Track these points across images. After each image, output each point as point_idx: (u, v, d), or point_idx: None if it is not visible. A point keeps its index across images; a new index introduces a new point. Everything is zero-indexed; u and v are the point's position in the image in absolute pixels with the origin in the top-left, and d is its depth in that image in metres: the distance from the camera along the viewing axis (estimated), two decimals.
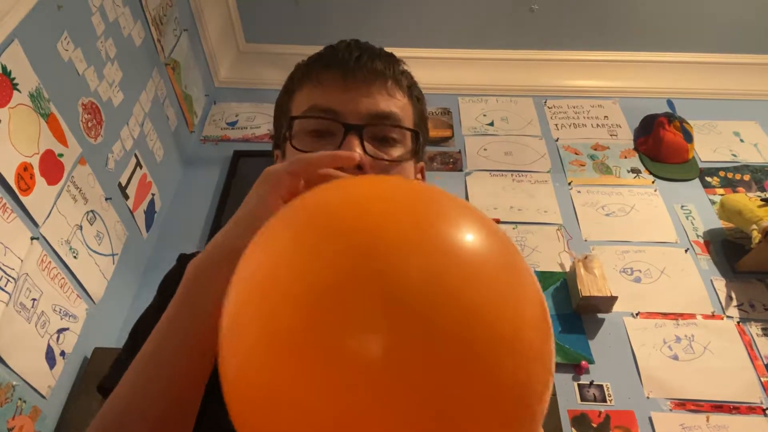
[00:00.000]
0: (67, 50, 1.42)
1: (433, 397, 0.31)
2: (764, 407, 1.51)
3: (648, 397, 1.54)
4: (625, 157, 2.19)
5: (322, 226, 0.36)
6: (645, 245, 1.89)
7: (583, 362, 1.58)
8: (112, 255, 1.61)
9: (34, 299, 1.26)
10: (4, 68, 1.19)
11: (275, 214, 0.41)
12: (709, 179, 2.10)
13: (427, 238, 0.34)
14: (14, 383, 1.20)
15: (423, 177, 0.66)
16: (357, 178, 0.43)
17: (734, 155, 2.19)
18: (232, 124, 2.34)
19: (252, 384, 0.34)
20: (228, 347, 0.37)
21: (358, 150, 0.54)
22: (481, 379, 0.31)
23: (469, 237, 0.36)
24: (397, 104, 0.59)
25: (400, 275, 0.32)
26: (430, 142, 2.24)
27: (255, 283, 0.37)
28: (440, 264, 0.33)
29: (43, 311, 1.30)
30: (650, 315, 1.71)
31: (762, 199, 1.80)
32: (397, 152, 0.58)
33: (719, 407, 1.51)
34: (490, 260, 0.35)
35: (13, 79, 1.21)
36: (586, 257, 1.73)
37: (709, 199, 2.03)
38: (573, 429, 1.48)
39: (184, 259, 0.66)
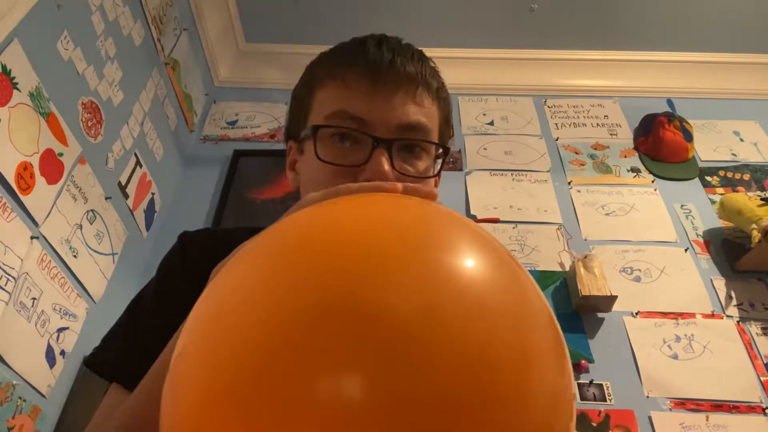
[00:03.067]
0: (67, 50, 1.42)
1: None
2: (764, 406, 1.51)
3: (648, 397, 1.54)
4: (625, 157, 2.19)
5: (296, 251, 0.30)
6: (645, 245, 1.89)
7: (583, 361, 1.58)
8: (112, 254, 1.61)
9: (34, 298, 1.26)
10: (4, 67, 1.19)
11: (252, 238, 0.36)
12: (708, 179, 2.10)
13: (418, 264, 0.29)
14: (14, 382, 1.20)
15: (438, 176, 0.65)
16: (343, 199, 0.38)
17: (734, 155, 2.19)
18: (232, 124, 2.34)
19: None
20: (171, 397, 0.30)
21: (386, 167, 0.53)
22: None
23: (470, 262, 0.30)
24: (425, 113, 0.57)
25: (390, 309, 0.26)
26: None
27: (209, 315, 0.31)
28: (435, 293, 0.28)
29: (43, 310, 1.30)
30: (650, 314, 1.71)
31: (762, 199, 1.80)
32: (423, 164, 0.57)
33: (719, 406, 1.51)
34: (496, 288, 0.30)
35: (13, 78, 1.21)
36: (585, 256, 1.73)
37: (709, 199, 2.03)
38: None
39: (185, 238, 0.66)
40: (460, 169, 2.15)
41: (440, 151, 0.60)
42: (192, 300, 0.35)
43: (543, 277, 1.80)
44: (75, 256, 1.42)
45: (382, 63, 0.55)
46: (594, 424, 1.49)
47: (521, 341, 0.29)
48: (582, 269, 1.69)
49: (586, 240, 1.91)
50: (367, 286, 0.27)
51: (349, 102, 0.55)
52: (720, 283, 1.77)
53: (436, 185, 0.65)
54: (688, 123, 2.18)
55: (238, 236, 0.46)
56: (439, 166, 0.60)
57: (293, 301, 0.27)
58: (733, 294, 1.74)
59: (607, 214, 1.98)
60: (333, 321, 0.26)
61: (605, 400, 1.53)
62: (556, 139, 2.26)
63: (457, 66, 2.46)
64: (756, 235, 1.69)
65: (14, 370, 1.20)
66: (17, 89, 1.22)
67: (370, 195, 0.44)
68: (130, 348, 0.51)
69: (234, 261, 0.34)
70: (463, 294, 0.28)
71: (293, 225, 0.35)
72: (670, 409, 1.52)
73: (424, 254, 0.30)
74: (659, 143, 2.14)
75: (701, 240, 1.90)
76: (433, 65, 0.61)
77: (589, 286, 1.65)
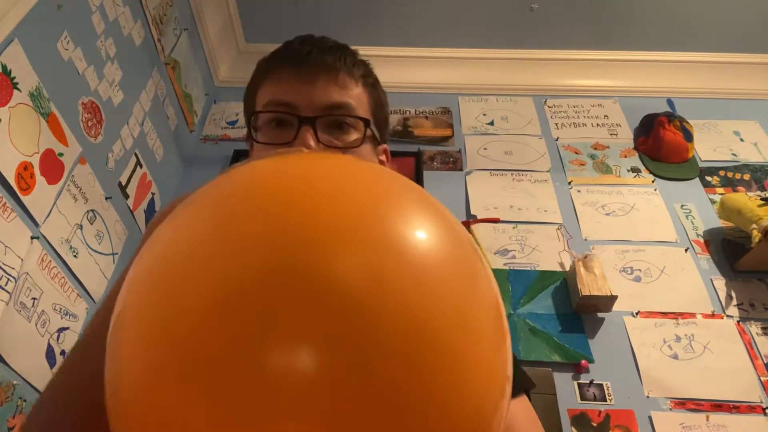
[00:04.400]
0: (67, 50, 1.42)
1: (370, 424, 0.25)
2: (764, 406, 1.51)
3: (648, 397, 1.54)
4: (625, 157, 2.19)
5: (239, 210, 0.30)
6: (645, 244, 1.89)
7: (583, 361, 1.58)
8: (113, 254, 1.61)
9: (34, 298, 1.26)
10: (4, 67, 1.19)
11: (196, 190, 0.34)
12: (709, 178, 2.10)
13: (369, 229, 0.29)
14: (14, 382, 1.20)
15: (387, 158, 0.71)
16: (293, 156, 0.38)
17: (734, 154, 2.19)
18: (232, 124, 2.34)
19: (138, 414, 0.27)
20: (111, 359, 0.29)
21: (311, 142, 0.59)
22: (427, 407, 0.26)
23: (419, 230, 0.30)
24: (349, 94, 0.63)
25: (335, 273, 0.26)
26: (430, 141, 2.25)
27: (149, 276, 0.30)
28: (384, 262, 0.27)
29: (43, 310, 1.30)
30: (650, 314, 1.71)
31: (762, 199, 1.80)
32: (351, 137, 0.63)
33: (719, 406, 1.51)
34: (443, 259, 0.30)
35: (13, 78, 1.21)
36: (586, 256, 1.73)
37: (709, 199, 2.03)
38: (573, 428, 1.48)
39: None
40: (460, 169, 2.15)
41: (369, 128, 0.65)
42: None
43: (543, 277, 1.80)
44: (75, 256, 1.42)
45: (302, 54, 0.63)
46: (594, 424, 1.49)
47: (460, 315, 0.29)
48: (582, 269, 1.69)
49: (586, 240, 1.91)
50: (312, 249, 0.27)
51: (278, 92, 0.63)
52: (720, 283, 1.77)
53: (386, 156, 0.71)
54: (688, 123, 2.18)
55: None
56: (375, 139, 0.66)
57: (233, 263, 0.27)
58: (733, 294, 1.74)
59: (607, 214, 1.99)
60: (275, 286, 0.26)
61: (605, 400, 1.53)
62: (556, 139, 2.26)
63: (457, 66, 2.46)
64: (756, 235, 1.69)
65: (14, 370, 1.20)
66: (17, 89, 1.22)
67: (315, 153, 0.44)
68: None
69: (176, 215, 0.33)
70: (410, 264, 0.28)
71: (237, 180, 0.34)
72: (670, 409, 1.52)
73: (374, 219, 0.29)
74: (659, 143, 2.14)
75: (701, 240, 1.90)
76: (359, 57, 0.68)
77: (589, 286, 1.65)
